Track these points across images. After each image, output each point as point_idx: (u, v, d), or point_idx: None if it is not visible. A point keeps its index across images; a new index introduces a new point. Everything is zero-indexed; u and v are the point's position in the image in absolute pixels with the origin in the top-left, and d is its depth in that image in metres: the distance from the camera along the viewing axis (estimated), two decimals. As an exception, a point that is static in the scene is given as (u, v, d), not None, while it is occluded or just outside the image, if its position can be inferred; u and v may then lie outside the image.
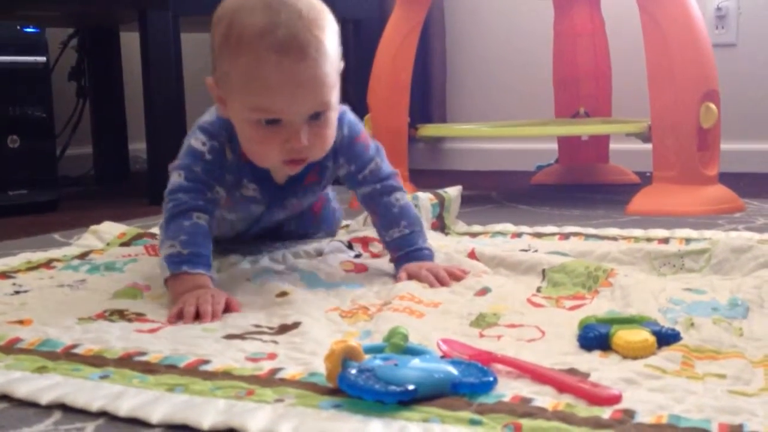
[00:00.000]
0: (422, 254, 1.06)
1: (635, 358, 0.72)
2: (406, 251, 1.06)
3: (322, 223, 1.28)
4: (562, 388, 0.65)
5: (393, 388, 0.62)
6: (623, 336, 0.73)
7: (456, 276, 1.02)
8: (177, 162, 1.03)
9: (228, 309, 0.90)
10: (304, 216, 1.23)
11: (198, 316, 0.88)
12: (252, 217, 1.15)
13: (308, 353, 0.75)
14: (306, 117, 0.93)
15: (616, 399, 0.62)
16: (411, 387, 0.62)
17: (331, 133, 0.98)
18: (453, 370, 0.66)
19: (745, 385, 0.66)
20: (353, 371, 0.64)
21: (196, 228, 0.98)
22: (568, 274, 1.01)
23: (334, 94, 0.95)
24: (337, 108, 0.98)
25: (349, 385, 0.63)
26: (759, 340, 0.76)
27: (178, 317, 0.88)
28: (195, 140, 1.02)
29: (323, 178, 1.11)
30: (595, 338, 0.75)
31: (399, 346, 0.70)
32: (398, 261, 1.06)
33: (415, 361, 0.67)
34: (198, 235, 0.97)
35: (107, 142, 2.47)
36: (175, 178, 1.01)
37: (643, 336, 0.74)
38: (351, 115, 1.08)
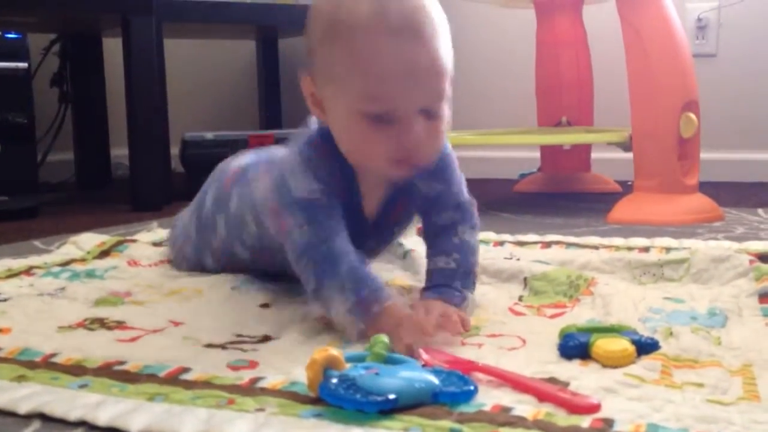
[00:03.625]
0: (451, 294, 0.92)
1: (615, 366, 0.72)
2: (437, 284, 0.94)
3: None
4: (542, 397, 0.65)
5: (374, 397, 0.62)
6: (603, 345, 0.74)
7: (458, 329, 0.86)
8: (281, 212, 0.88)
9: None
10: None
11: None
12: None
13: (289, 362, 0.75)
14: (419, 108, 0.84)
15: (595, 408, 0.62)
16: (392, 396, 0.62)
17: (444, 132, 0.88)
18: (434, 380, 0.66)
19: (722, 394, 0.66)
20: (334, 380, 0.64)
21: (351, 265, 0.84)
22: (550, 282, 1.01)
23: (449, 85, 0.86)
24: (449, 103, 0.87)
25: (329, 395, 0.63)
26: (737, 349, 0.77)
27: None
28: (296, 187, 0.88)
29: (411, 204, 0.98)
30: (575, 347, 0.75)
31: (380, 355, 0.70)
32: (425, 291, 0.94)
33: (397, 371, 0.67)
34: (357, 269, 0.84)
35: (89, 148, 2.46)
36: (297, 237, 0.87)
37: (622, 345, 0.74)
38: None
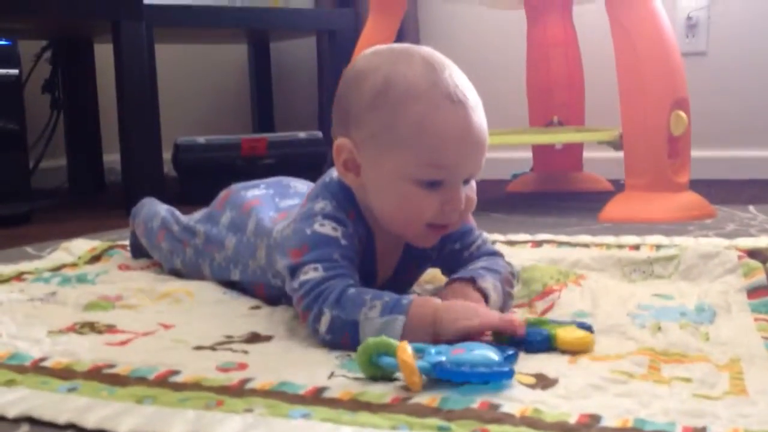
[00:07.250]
0: (477, 273, 0.90)
1: (580, 352, 0.76)
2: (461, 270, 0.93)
3: None
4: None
5: (497, 368, 0.68)
6: (563, 336, 0.78)
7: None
8: (302, 257, 0.85)
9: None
10: None
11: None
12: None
13: (279, 363, 0.75)
14: (465, 177, 0.86)
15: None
16: (506, 369, 0.68)
17: (476, 199, 0.90)
18: (495, 356, 0.70)
19: (710, 388, 0.67)
20: (441, 358, 0.69)
21: (372, 291, 0.82)
22: (540, 270, 1.02)
23: None
24: None
25: (451, 373, 0.68)
26: (724, 345, 0.78)
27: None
28: (320, 226, 0.86)
29: (421, 269, 1.00)
30: (542, 342, 0.78)
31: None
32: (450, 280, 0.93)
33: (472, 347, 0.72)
34: (374, 291, 0.82)
35: (81, 154, 2.46)
36: (312, 275, 0.83)
37: (577, 333, 0.78)
38: None
